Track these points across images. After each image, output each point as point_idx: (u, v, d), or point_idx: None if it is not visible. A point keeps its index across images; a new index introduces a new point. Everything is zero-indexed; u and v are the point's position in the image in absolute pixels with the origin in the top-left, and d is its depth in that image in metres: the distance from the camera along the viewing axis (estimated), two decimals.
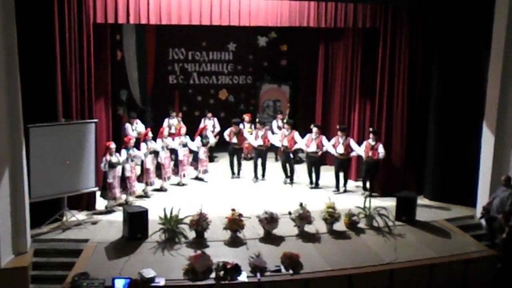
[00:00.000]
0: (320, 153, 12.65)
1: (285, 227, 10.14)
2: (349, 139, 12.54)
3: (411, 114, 12.39)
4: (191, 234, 9.79)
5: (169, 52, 16.10)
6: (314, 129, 12.74)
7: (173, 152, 12.99)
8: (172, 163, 12.99)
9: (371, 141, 12.17)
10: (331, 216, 10.23)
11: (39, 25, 9.85)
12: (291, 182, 13.10)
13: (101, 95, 11.78)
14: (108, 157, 10.85)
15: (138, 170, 12.03)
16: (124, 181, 11.31)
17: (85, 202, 11.03)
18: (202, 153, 13.23)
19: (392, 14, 12.14)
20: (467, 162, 11.58)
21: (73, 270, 8.51)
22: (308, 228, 10.21)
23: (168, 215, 9.79)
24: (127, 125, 13.84)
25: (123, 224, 9.83)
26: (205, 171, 13.32)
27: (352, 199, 11.94)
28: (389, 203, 11.35)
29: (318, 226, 10.26)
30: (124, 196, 11.44)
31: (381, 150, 12.07)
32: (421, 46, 12.18)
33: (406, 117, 12.37)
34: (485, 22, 10.93)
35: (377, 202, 11.34)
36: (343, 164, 12.55)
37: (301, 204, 10.23)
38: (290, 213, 10.24)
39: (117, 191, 11.08)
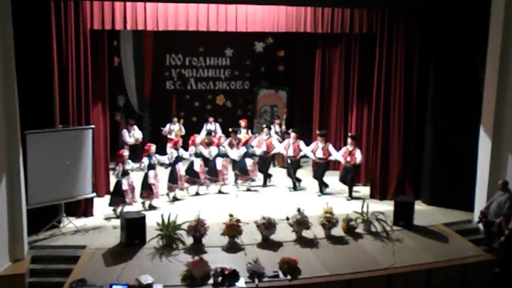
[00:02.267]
0: (298, 157, 12.91)
1: (283, 233, 10.13)
2: (328, 144, 12.75)
3: (408, 118, 12.41)
4: (189, 240, 9.77)
5: (166, 58, 16.16)
6: (292, 135, 13.02)
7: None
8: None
9: (349, 147, 12.37)
10: (328, 221, 10.23)
11: (36, 32, 9.85)
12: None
13: (98, 101, 11.77)
14: (120, 166, 10.89)
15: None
16: (149, 188, 11.34)
17: (83, 208, 10.99)
18: (249, 164, 12.81)
19: (388, 19, 12.17)
20: (465, 167, 11.59)
21: (71, 277, 8.48)
22: (306, 233, 10.20)
23: (166, 221, 9.77)
24: (124, 131, 13.87)
25: (121, 230, 9.81)
26: (253, 180, 12.96)
27: (350, 204, 11.94)
28: (387, 208, 11.36)
29: (316, 231, 10.25)
30: (147, 202, 11.47)
31: (358, 155, 12.28)
32: (418, 51, 12.21)
33: (403, 121, 12.39)
34: (483, 26, 10.96)
35: (374, 207, 11.34)
36: (321, 168, 12.72)
37: (298, 210, 10.23)
38: (288, 219, 10.22)
39: (130, 197, 11.02)
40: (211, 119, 14.73)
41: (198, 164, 12.38)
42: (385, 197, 12.46)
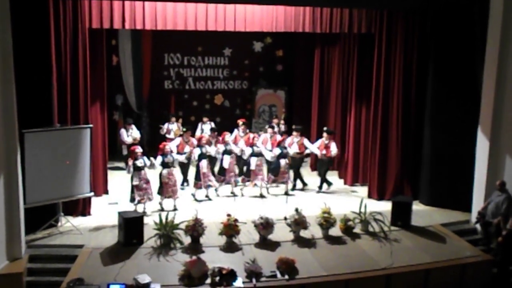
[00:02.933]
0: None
1: (281, 232, 10.13)
2: (303, 138, 13.05)
3: (407, 118, 12.42)
4: (187, 240, 9.77)
5: (165, 57, 16.14)
6: (269, 130, 13.38)
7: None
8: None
9: (325, 140, 12.77)
10: (326, 221, 10.23)
11: (34, 30, 9.84)
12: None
13: (96, 100, 11.77)
14: (130, 162, 10.84)
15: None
16: (161, 186, 11.30)
17: (80, 208, 10.97)
18: (284, 164, 12.54)
19: (387, 19, 12.17)
20: (463, 167, 11.60)
21: (68, 276, 8.48)
22: (303, 233, 10.21)
23: (164, 221, 9.76)
24: (122, 131, 13.84)
25: (119, 230, 9.80)
26: (283, 183, 12.67)
27: (348, 204, 11.93)
28: (385, 208, 11.36)
29: (313, 231, 10.26)
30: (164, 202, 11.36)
31: (333, 148, 12.73)
32: (416, 51, 12.22)
33: (402, 121, 12.40)
34: (481, 26, 10.98)
35: (372, 207, 11.35)
36: (298, 163, 13.02)
37: (296, 209, 10.23)
38: (285, 218, 10.25)
39: (141, 194, 10.89)
40: (205, 119, 14.69)
41: (227, 162, 12.31)
42: (383, 197, 12.48)
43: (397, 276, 9.08)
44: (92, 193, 10.88)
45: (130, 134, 13.78)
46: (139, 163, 10.92)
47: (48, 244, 9.72)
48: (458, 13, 11.50)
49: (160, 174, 11.32)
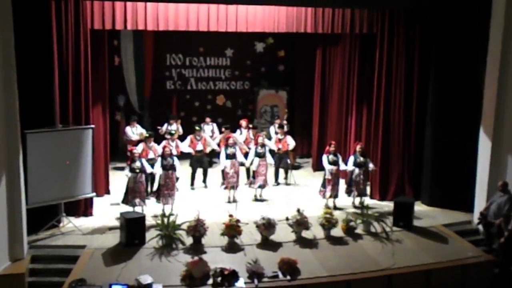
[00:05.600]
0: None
1: (283, 233, 10.14)
2: (258, 134, 13.10)
3: (408, 119, 12.41)
4: (189, 240, 9.78)
5: (167, 58, 16.13)
6: (224, 130, 13.73)
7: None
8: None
9: (279, 135, 13.26)
10: (328, 222, 10.24)
11: (36, 31, 9.86)
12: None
13: (98, 100, 11.78)
14: (127, 163, 10.76)
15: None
16: (158, 189, 11.22)
17: (82, 208, 10.98)
18: (357, 173, 11.82)
19: (388, 19, 12.17)
20: (464, 168, 11.59)
21: (70, 277, 8.50)
22: (305, 233, 10.21)
23: (166, 221, 9.77)
24: (128, 128, 13.84)
25: (120, 230, 9.81)
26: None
27: (349, 204, 11.93)
28: (387, 208, 11.35)
29: (315, 231, 10.26)
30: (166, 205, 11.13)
31: (290, 141, 13.34)
32: (418, 51, 12.22)
33: (403, 122, 12.40)
34: (483, 26, 10.97)
35: (374, 207, 11.34)
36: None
37: (298, 210, 10.23)
38: (287, 219, 10.23)
39: (137, 197, 10.69)
40: (208, 119, 14.68)
41: (256, 164, 12.17)
42: (385, 197, 12.47)
43: (399, 276, 9.09)
44: (94, 194, 10.90)
45: (135, 132, 13.78)
46: (136, 165, 10.77)
47: (50, 244, 9.74)
48: (460, 13, 11.49)
49: (159, 177, 11.23)
